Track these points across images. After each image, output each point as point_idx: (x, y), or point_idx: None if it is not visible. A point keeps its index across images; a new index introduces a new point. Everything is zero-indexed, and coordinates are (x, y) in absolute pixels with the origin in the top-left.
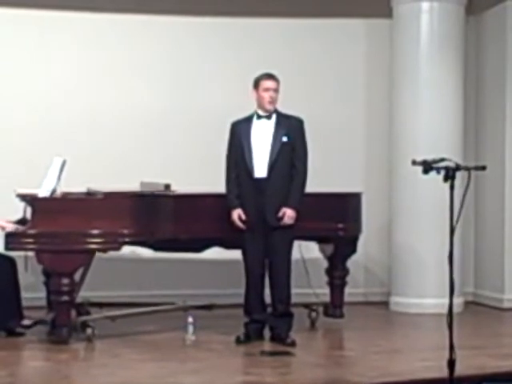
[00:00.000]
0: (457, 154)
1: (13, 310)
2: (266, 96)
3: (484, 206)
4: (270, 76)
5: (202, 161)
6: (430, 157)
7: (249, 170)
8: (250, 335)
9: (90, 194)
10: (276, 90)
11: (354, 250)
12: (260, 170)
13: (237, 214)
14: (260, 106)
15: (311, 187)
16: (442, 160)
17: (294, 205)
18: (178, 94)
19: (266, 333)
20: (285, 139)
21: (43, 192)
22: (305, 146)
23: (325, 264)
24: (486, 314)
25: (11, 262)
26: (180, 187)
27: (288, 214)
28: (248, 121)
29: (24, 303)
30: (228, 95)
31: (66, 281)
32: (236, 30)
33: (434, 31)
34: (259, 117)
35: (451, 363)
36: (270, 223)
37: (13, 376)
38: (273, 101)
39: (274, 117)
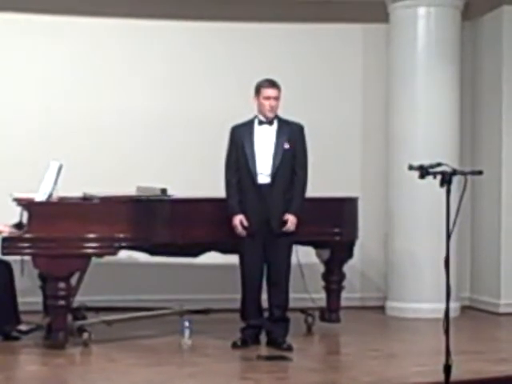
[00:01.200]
0: (453, 159)
1: (9, 315)
2: (267, 104)
3: (480, 210)
4: (271, 84)
5: (200, 165)
6: (426, 162)
7: (252, 176)
8: (247, 340)
9: (86, 198)
10: (277, 98)
11: (350, 255)
12: (262, 176)
13: (239, 219)
14: (260, 112)
15: (308, 192)
16: (439, 165)
17: (296, 211)
18: (177, 97)
19: (263, 337)
20: (287, 146)
21: (40, 196)
22: (305, 152)
23: (321, 269)
24: (483, 319)
25: (7, 266)
26: (178, 191)
27: (291, 221)
28: (249, 126)
29: (20, 308)
30: (226, 99)
31: (62, 285)
32: (234, 35)
33: (430, 36)
34: (261, 122)
35: (447, 368)
36: (274, 230)
37: (9, 380)
38: (273, 109)
39: (275, 123)
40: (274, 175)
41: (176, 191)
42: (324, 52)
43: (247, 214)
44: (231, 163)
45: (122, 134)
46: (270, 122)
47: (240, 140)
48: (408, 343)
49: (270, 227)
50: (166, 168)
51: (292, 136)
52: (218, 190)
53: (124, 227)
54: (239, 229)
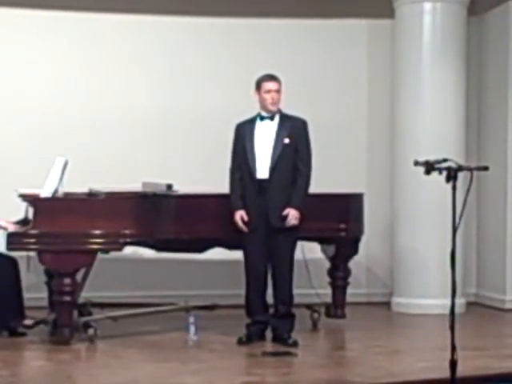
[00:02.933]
0: (459, 155)
1: (15, 310)
2: (268, 98)
3: (486, 206)
4: (271, 77)
5: (203, 161)
6: (432, 157)
7: (251, 171)
8: (252, 336)
9: (91, 194)
10: (278, 91)
11: (355, 251)
12: (262, 171)
13: (239, 215)
14: (263, 107)
15: (313, 188)
16: (444, 160)
17: (298, 205)
18: (180, 94)
19: (268, 333)
20: (287, 141)
21: (45, 192)
22: (308, 147)
23: (327, 265)
24: (488, 315)
25: (13, 262)
26: (181, 187)
27: (292, 214)
28: (252, 122)
29: (26, 303)
30: (229, 96)
31: (67, 281)
32: (237, 31)
33: (436, 32)
34: (262, 118)
35: (453, 364)
36: (273, 225)
37: (15, 376)
38: (275, 102)
39: (277, 118)
40: (272, 170)
41: (179, 187)
42: (329, 48)
43: (248, 208)
44: (235, 160)
45: (127, 129)
46: (272, 117)
47: (242, 136)
48: (413, 339)
49: (269, 222)
50: (170, 163)
51: (293, 131)
52: (222, 186)
53: (129, 223)
54: (240, 224)
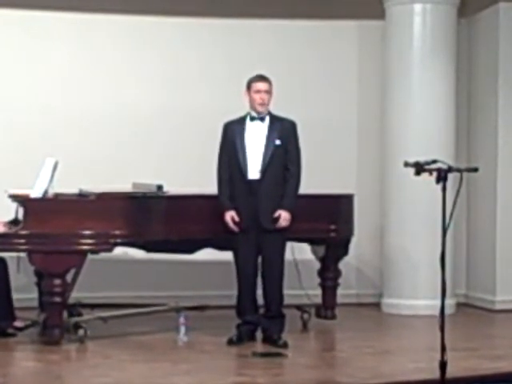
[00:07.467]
0: (449, 156)
1: (4, 311)
2: (258, 98)
3: (476, 207)
4: (261, 78)
5: (194, 161)
6: (422, 158)
7: (242, 172)
8: (243, 337)
9: (82, 194)
10: (268, 92)
11: (346, 252)
12: (253, 171)
13: (230, 215)
14: (252, 107)
15: (303, 189)
16: (434, 162)
17: (289, 207)
18: (170, 94)
19: (259, 334)
20: (278, 142)
21: (35, 193)
22: (298, 148)
23: (317, 265)
24: (478, 316)
25: (2, 262)
26: (172, 188)
27: (283, 217)
28: (241, 122)
29: (16, 304)
30: (220, 96)
31: (57, 282)
32: (228, 31)
33: (426, 33)
34: (252, 118)
35: (443, 365)
36: (263, 226)
37: (5, 376)
38: (264, 103)
39: (267, 119)
40: (263, 171)
41: (170, 187)
42: (319, 49)
43: (238, 209)
44: (223, 159)
45: (117, 130)
46: (262, 118)
47: (232, 136)
48: (403, 340)
49: (259, 223)
50: (161, 164)
51: (283, 132)
52: (212, 187)
53: (120, 224)
54: (231, 225)
